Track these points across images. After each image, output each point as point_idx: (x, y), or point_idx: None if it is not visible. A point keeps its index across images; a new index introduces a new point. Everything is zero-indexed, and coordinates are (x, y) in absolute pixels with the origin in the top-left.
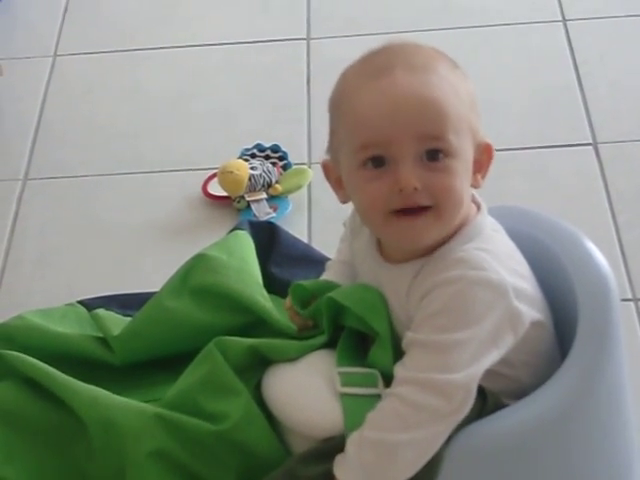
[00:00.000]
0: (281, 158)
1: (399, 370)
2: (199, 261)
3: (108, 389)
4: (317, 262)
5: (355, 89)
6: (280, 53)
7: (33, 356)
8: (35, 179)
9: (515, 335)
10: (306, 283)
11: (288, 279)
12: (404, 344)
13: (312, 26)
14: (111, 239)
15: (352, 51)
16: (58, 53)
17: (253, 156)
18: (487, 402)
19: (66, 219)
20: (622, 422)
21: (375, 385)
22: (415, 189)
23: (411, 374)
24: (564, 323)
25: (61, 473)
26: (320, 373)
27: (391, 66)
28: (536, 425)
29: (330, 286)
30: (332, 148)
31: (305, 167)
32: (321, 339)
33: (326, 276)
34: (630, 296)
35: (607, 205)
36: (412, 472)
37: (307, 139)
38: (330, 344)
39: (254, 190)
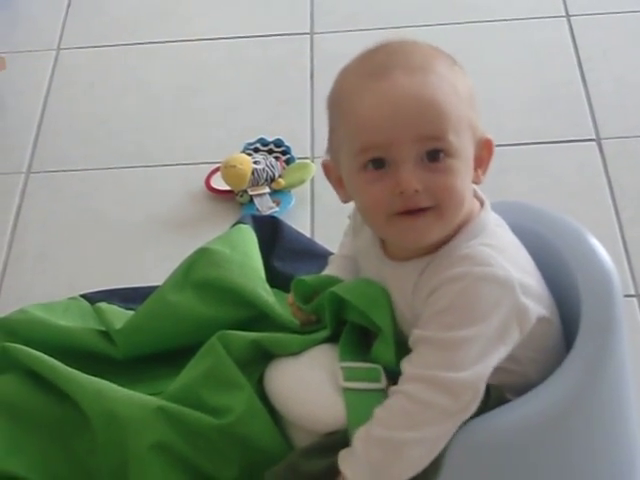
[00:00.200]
0: (284, 152)
1: (406, 367)
2: (202, 255)
3: (111, 382)
4: (320, 256)
5: (354, 90)
6: (283, 48)
7: (36, 349)
8: (38, 172)
9: (521, 331)
10: (308, 278)
11: (291, 273)
12: (411, 341)
13: (315, 21)
14: (114, 233)
15: (355, 46)
16: (61, 47)
17: (256, 150)
18: (490, 398)
19: (69, 212)
20: (625, 418)
21: (378, 380)
22: (416, 191)
23: (418, 371)
24: (567, 319)
25: (64, 465)
26: (323, 367)
27: (390, 66)
28: (538, 421)
29: (332, 281)
30: (332, 147)
31: (308, 161)
32: (324, 333)
33: (329, 270)
34: (633, 292)
35: (610, 201)
36: (418, 469)
37: (310, 133)
38: (333, 338)
39: (257, 184)
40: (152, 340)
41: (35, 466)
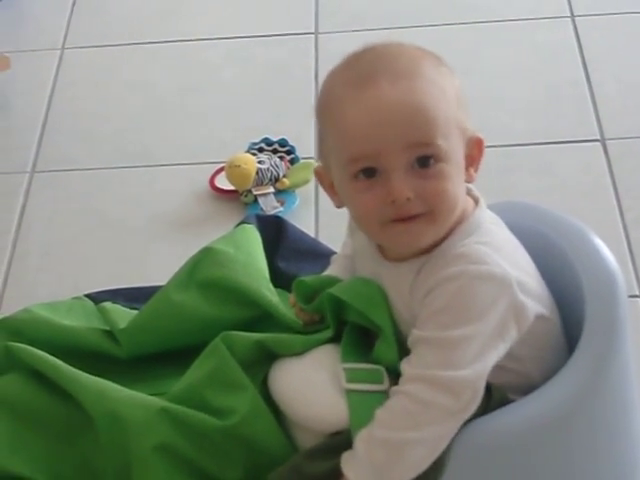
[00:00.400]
0: (289, 152)
1: (406, 368)
2: (206, 255)
3: (114, 382)
4: (324, 256)
5: (340, 100)
6: (288, 47)
7: (40, 349)
8: (42, 172)
9: (519, 329)
10: (308, 279)
11: (295, 273)
12: (410, 342)
13: (320, 20)
14: (118, 232)
15: (360, 45)
16: (66, 46)
17: (261, 150)
18: (492, 398)
19: (73, 212)
20: (628, 419)
21: (381, 381)
22: (408, 199)
23: (418, 371)
24: (571, 319)
25: (68, 465)
26: (326, 367)
27: (375, 73)
28: (541, 422)
29: (333, 281)
30: (322, 154)
31: (312, 161)
32: (327, 333)
33: (330, 270)
34: (637, 292)
35: (615, 202)
36: (420, 470)
37: (314, 133)
38: (336, 338)
39: (261, 184)
40: (156, 339)
41: (39, 465)
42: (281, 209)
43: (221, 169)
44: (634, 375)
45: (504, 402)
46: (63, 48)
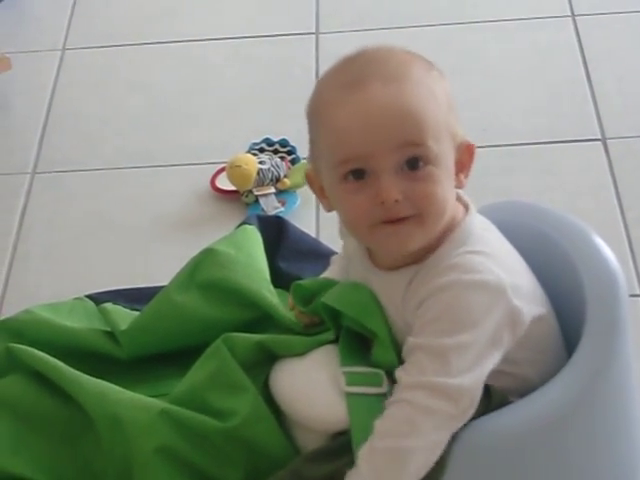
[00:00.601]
0: (289, 152)
1: (403, 376)
2: (207, 256)
3: (115, 383)
4: (325, 256)
5: (331, 102)
6: (289, 48)
7: (41, 350)
8: (43, 173)
9: (514, 335)
10: (305, 283)
11: (296, 273)
12: (405, 349)
13: (321, 21)
14: (119, 233)
15: (361, 45)
16: (66, 47)
17: (261, 150)
18: (492, 400)
19: (74, 213)
20: (629, 419)
21: (380, 384)
22: (396, 201)
23: (415, 379)
24: (572, 318)
25: (70, 466)
26: (328, 368)
27: (365, 77)
28: (542, 422)
29: (330, 284)
30: (313, 158)
31: None
32: (328, 335)
33: (330, 271)
34: (638, 292)
35: (616, 201)
36: (421, 475)
37: None
38: (337, 339)
39: (262, 184)
40: (157, 341)
41: (41, 467)
42: (282, 209)
43: (222, 169)
44: (635, 374)
45: (504, 404)
46: (64, 49)
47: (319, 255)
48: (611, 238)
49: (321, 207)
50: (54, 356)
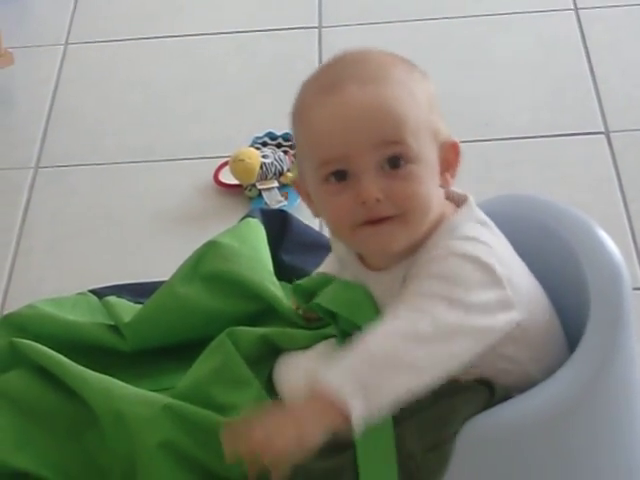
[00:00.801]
0: (292, 146)
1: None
2: (211, 248)
3: (119, 377)
4: (328, 249)
5: (309, 106)
6: (292, 42)
7: (45, 344)
8: (47, 167)
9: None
10: (304, 282)
11: (300, 266)
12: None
13: (324, 14)
14: (122, 228)
15: (364, 40)
16: (69, 42)
17: (265, 144)
18: (495, 396)
19: (77, 207)
20: (632, 412)
21: None
22: (378, 200)
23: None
24: (575, 312)
25: (75, 460)
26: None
27: (343, 79)
28: (545, 415)
29: (327, 280)
30: (298, 161)
31: None
32: (331, 328)
33: (324, 267)
34: None
35: (619, 194)
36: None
37: None
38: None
39: (265, 178)
40: (161, 333)
41: (45, 461)
42: (285, 203)
43: (225, 163)
44: (638, 368)
45: (506, 399)
46: (66, 44)
47: (322, 247)
48: (614, 231)
49: None
50: (58, 350)
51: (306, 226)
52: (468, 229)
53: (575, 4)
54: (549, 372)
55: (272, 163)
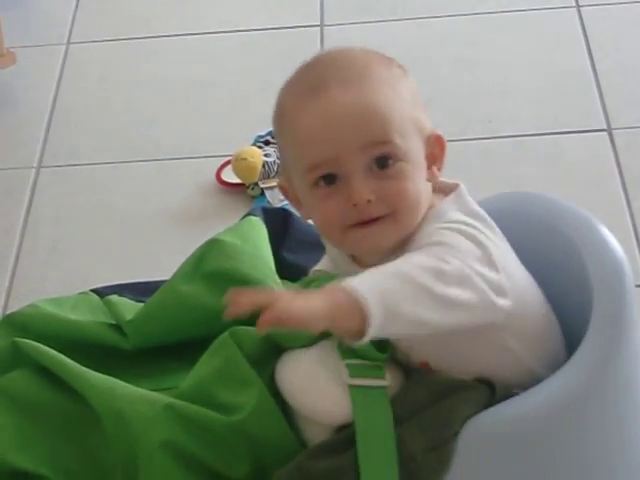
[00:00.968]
0: None
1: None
2: (213, 246)
3: (120, 377)
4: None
5: (293, 110)
6: (294, 40)
7: (47, 344)
8: (49, 167)
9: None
10: (314, 277)
11: (303, 265)
12: None
13: (325, 13)
14: (125, 227)
15: (366, 37)
16: (71, 41)
17: (267, 143)
18: (496, 395)
19: (80, 207)
20: (637, 411)
21: (382, 377)
22: (369, 201)
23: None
24: (578, 309)
25: (76, 460)
26: (333, 359)
27: (325, 81)
28: (549, 412)
29: (332, 277)
30: (284, 167)
31: None
32: None
33: (321, 264)
34: None
35: (622, 191)
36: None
37: None
38: None
39: (268, 177)
40: (163, 331)
41: (46, 461)
42: (287, 201)
43: (227, 162)
44: None
45: (509, 397)
46: (69, 42)
47: (324, 246)
48: (617, 228)
49: None
50: (59, 350)
51: (308, 225)
52: (457, 215)
53: (577, 1)
54: (551, 369)
55: (274, 162)
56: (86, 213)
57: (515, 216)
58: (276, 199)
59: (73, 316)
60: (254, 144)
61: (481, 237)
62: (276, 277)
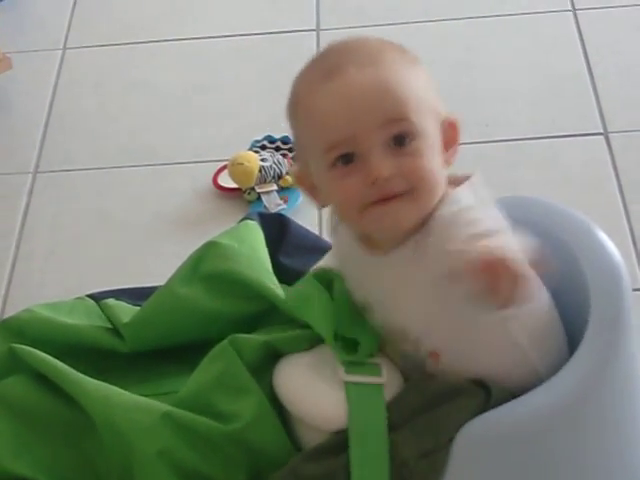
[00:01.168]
0: (291, 149)
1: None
2: (210, 248)
3: (118, 382)
4: (328, 252)
5: (309, 93)
6: (289, 44)
7: (43, 348)
8: (45, 172)
9: None
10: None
11: (301, 269)
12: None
13: (321, 17)
14: (122, 232)
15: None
16: (67, 46)
17: (263, 148)
18: (492, 398)
19: (76, 212)
20: (634, 415)
21: (379, 374)
22: (388, 178)
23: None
24: (575, 313)
25: (73, 467)
26: (330, 365)
27: (341, 65)
28: (547, 414)
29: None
30: (299, 155)
31: None
32: None
33: (323, 261)
34: None
35: (618, 194)
36: None
37: None
38: None
39: (264, 182)
40: (160, 333)
41: (43, 468)
42: (284, 206)
43: (224, 167)
44: (639, 368)
45: (504, 401)
46: (65, 48)
47: (322, 251)
48: (614, 232)
49: None
50: (56, 354)
51: (305, 230)
52: (472, 200)
53: (573, 5)
54: (554, 370)
55: (271, 166)
56: (82, 218)
57: (512, 221)
58: (273, 204)
59: (69, 320)
60: (251, 149)
61: (502, 222)
62: (274, 278)
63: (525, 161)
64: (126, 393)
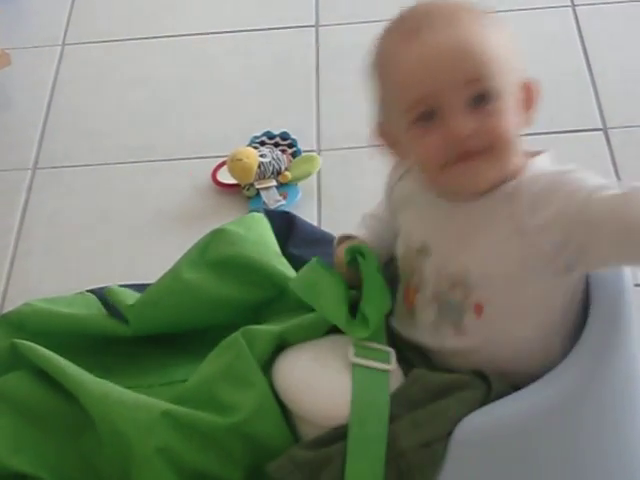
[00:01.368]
0: (290, 145)
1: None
2: (217, 235)
3: (120, 372)
4: None
5: (393, 53)
6: (289, 40)
7: (44, 340)
8: (44, 168)
9: None
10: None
11: (310, 259)
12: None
13: (320, 13)
14: (121, 228)
15: (361, 37)
16: (66, 42)
17: (262, 143)
18: (492, 390)
19: (75, 208)
20: (634, 411)
21: (387, 361)
22: (468, 135)
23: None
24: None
25: (73, 462)
26: (331, 360)
27: (423, 25)
28: (545, 409)
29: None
30: (384, 111)
31: (314, 154)
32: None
33: (358, 233)
34: None
35: None
36: None
37: (316, 126)
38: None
39: (263, 178)
40: (165, 317)
41: (43, 464)
42: (283, 202)
43: (223, 163)
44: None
45: (505, 394)
46: (64, 44)
47: (330, 243)
48: None
49: (322, 200)
50: (57, 345)
51: (311, 225)
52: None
53: (572, 1)
54: (568, 347)
55: (270, 162)
56: (82, 215)
57: None
58: (272, 199)
59: (69, 310)
60: (250, 145)
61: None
62: (284, 260)
63: None
64: (125, 391)
